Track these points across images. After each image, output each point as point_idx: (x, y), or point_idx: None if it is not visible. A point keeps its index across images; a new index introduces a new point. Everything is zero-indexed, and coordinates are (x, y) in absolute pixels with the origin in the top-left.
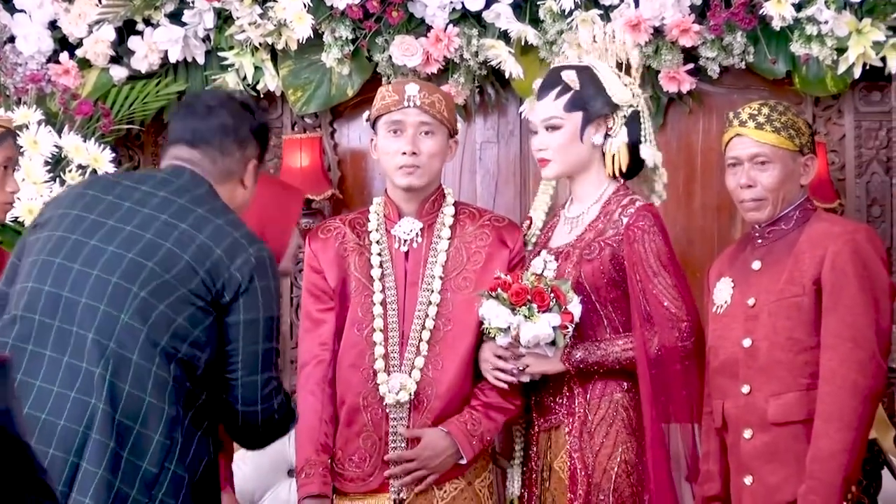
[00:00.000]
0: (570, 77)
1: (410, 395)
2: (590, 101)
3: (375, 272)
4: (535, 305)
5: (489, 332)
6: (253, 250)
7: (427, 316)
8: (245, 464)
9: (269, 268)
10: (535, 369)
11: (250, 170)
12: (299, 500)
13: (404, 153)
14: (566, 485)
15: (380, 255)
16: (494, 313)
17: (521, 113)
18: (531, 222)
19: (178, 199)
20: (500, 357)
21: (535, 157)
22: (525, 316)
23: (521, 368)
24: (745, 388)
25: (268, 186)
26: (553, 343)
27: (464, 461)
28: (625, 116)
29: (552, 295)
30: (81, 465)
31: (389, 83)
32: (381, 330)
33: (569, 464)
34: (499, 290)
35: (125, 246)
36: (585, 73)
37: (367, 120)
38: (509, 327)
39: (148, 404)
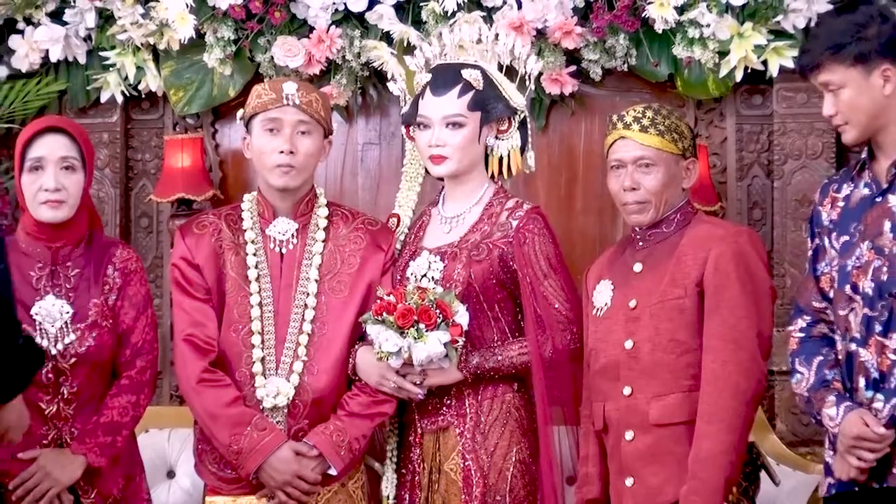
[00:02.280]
0: (473, 76)
1: (288, 399)
2: (491, 102)
3: (252, 273)
4: (422, 326)
5: (379, 356)
6: None
7: (304, 320)
8: None
9: None
10: (432, 381)
11: None
12: (260, 458)
13: (282, 152)
14: (459, 486)
15: (255, 255)
16: (383, 338)
17: (402, 114)
18: (399, 220)
19: None
20: (399, 373)
21: (425, 152)
22: (414, 337)
23: (420, 381)
24: (627, 390)
25: None
26: (447, 357)
27: (333, 472)
28: (519, 121)
29: (438, 311)
30: None
31: (266, 81)
32: (258, 332)
33: (462, 465)
34: (384, 313)
35: None
36: (483, 74)
37: (240, 119)
38: (400, 350)
39: None
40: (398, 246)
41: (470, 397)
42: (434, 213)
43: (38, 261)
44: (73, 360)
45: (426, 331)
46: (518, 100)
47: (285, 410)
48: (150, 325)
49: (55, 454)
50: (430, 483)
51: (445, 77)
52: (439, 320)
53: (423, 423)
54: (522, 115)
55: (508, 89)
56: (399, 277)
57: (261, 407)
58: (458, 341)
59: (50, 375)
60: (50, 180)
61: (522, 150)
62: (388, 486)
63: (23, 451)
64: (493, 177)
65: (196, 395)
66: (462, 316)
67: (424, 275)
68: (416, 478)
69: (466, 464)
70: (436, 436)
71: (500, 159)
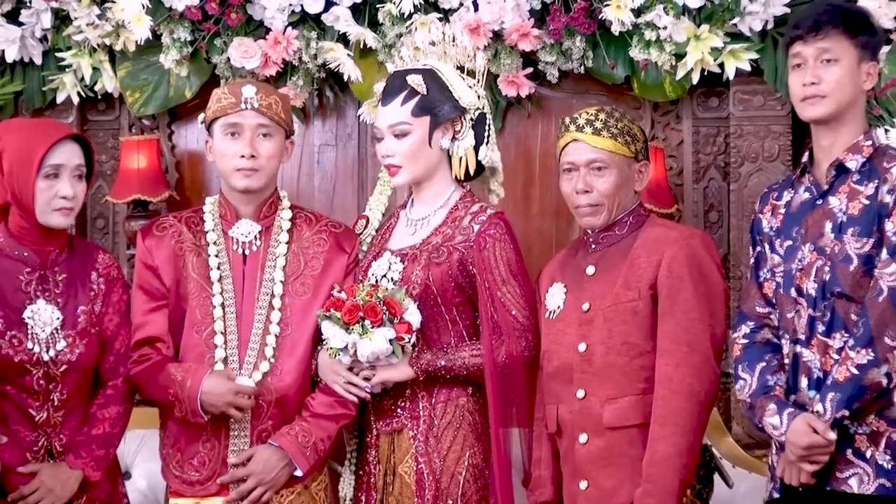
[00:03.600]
0: (416, 81)
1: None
2: (438, 105)
3: (214, 274)
4: (368, 322)
5: (331, 353)
6: None
7: (270, 321)
8: None
9: None
10: (383, 376)
11: None
12: (195, 395)
13: (242, 156)
14: (413, 490)
15: (217, 256)
16: (331, 333)
17: (359, 116)
18: (367, 222)
19: None
20: (350, 370)
21: (381, 163)
22: (359, 334)
23: (368, 378)
24: (580, 393)
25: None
26: (394, 354)
27: (299, 473)
28: (472, 119)
29: (385, 308)
30: None
31: (226, 85)
32: (221, 333)
33: (415, 468)
34: (332, 309)
35: None
36: (430, 76)
37: (201, 122)
38: (347, 346)
39: None
40: (364, 248)
41: (424, 400)
42: (402, 215)
43: (27, 265)
44: (64, 367)
45: (371, 327)
46: (468, 99)
47: (249, 411)
48: (131, 331)
49: (53, 469)
50: (385, 485)
51: (392, 85)
52: (385, 317)
53: (379, 425)
54: (477, 113)
55: (459, 89)
56: (361, 278)
57: None
58: (404, 338)
59: (41, 382)
60: (68, 188)
61: (478, 148)
62: (345, 487)
63: (14, 457)
64: (458, 179)
65: (133, 381)
66: (412, 314)
67: (384, 275)
68: (372, 479)
69: (419, 467)
70: (391, 438)
71: (461, 160)
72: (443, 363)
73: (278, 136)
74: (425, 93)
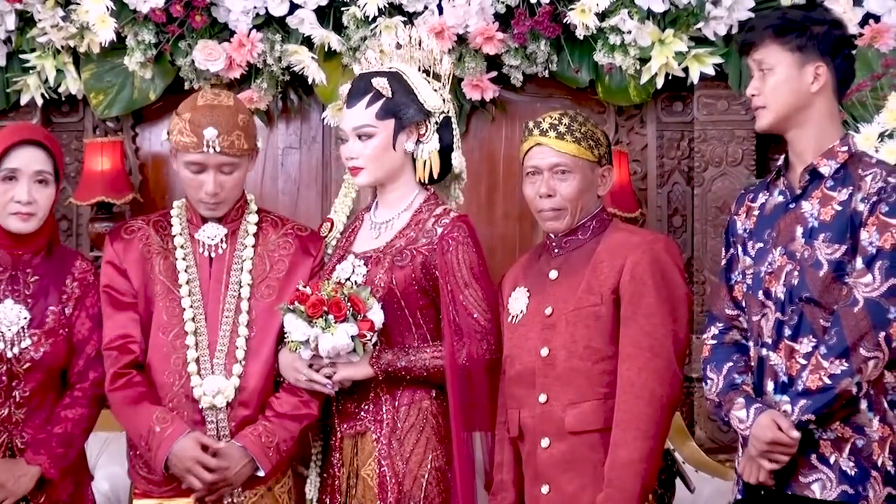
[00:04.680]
0: (381, 84)
1: (227, 399)
2: (402, 108)
3: (182, 277)
4: (331, 316)
5: (291, 347)
6: None
7: (238, 324)
8: None
9: None
10: (343, 374)
11: None
12: (165, 450)
13: (206, 192)
14: (375, 492)
15: (185, 259)
16: (294, 326)
17: (323, 119)
18: (332, 224)
19: None
20: (311, 367)
21: (346, 164)
22: (322, 328)
23: (329, 376)
24: (543, 398)
25: None
26: (355, 351)
27: (261, 473)
28: (437, 123)
29: (349, 304)
30: None
31: (180, 115)
32: (192, 333)
33: (378, 471)
34: (296, 303)
35: None
36: (396, 79)
37: (164, 139)
38: (308, 340)
39: None
40: (329, 251)
41: (387, 403)
42: (366, 217)
43: None
44: (27, 364)
45: (335, 322)
46: (433, 102)
47: (222, 410)
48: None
49: (8, 465)
50: (349, 488)
51: (357, 88)
52: (349, 313)
53: (343, 428)
54: (442, 117)
55: (424, 92)
56: (326, 280)
57: (199, 406)
58: (366, 335)
59: (3, 378)
60: (23, 193)
61: (447, 150)
62: (311, 490)
63: None
64: (423, 183)
65: (110, 397)
66: (375, 313)
67: (348, 278)
68: (336, 482)
69: (382, 469)
70: (354, 440)
71: (425, 163)
72: (403, 364)
73: (242, 164)
74: (390, 96)
